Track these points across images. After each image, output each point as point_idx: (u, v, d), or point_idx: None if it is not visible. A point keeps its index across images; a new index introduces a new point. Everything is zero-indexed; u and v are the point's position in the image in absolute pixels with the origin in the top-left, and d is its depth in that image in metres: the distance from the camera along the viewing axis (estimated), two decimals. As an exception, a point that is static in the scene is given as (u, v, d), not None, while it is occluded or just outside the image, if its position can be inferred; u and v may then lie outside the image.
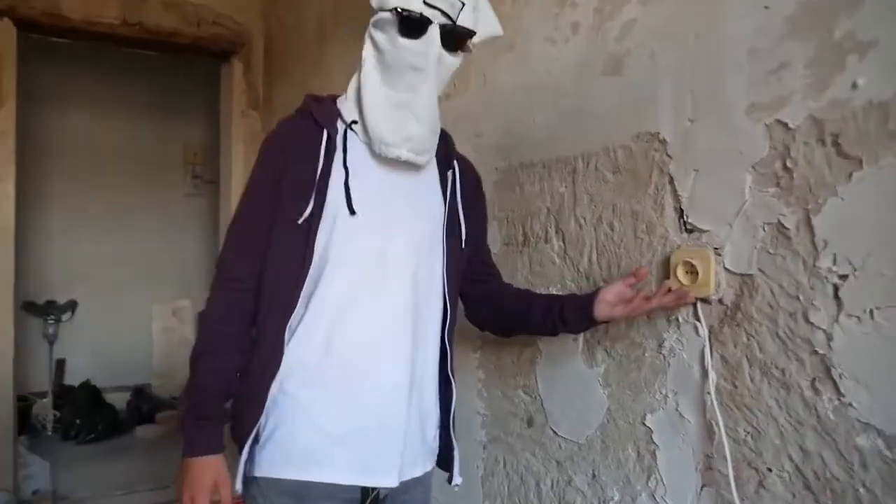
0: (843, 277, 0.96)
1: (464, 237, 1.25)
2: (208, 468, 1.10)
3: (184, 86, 4.76)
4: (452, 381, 1.26)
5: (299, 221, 1.10)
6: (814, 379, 1.00)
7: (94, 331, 4.77)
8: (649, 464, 1.26)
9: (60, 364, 4.78)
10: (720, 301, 1.14)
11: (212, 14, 3.26)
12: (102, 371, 4.67)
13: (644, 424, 1.27)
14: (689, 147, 1.18)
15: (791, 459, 1.03)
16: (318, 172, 1.11)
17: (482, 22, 1.14)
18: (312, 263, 1.11)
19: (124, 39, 3.19)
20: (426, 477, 1.26)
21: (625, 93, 1.31)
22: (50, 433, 4.36)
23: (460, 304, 1.34)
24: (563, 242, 1.46)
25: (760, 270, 1.07)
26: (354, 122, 1.15)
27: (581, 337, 1.42)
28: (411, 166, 1.16)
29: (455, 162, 1.26)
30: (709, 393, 1.14)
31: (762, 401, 1.07)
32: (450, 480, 1.29)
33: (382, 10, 1.07)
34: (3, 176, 2.93)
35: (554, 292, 1.47)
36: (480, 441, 1.72)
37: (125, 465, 3.67)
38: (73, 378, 4.75)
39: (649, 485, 1.26)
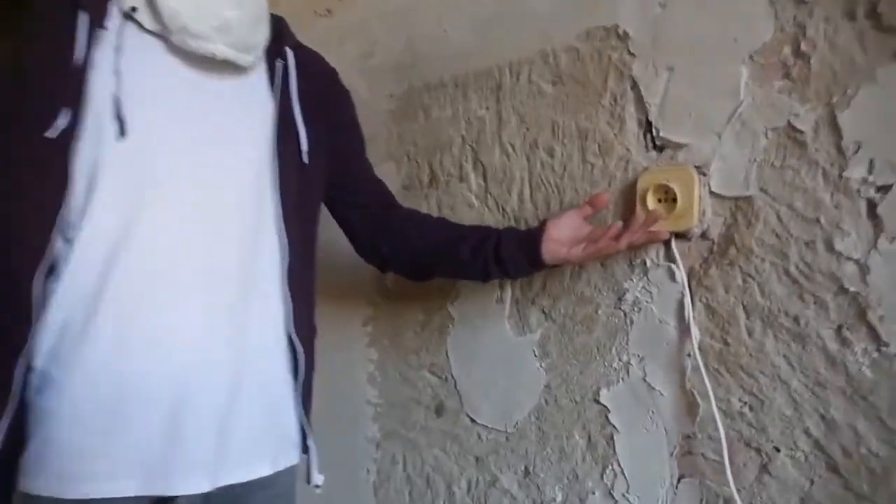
0: (884, 189, 0.73)
1: (304, 148, 0.90)
2: None
3: None
4: (298, 346, 0.88)
5: (51, 136, 0.73)
6: (840, 326, 0.76)
7: None
8: (604, 452, 0.98)
9: None
10: (703, 235, 0.88)
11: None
12: None
13: (597, 402, 0.99)
14: (660, 40, 0.91)
15: (808, 434, 0.79)
16: (78, 69, 0.74)
17: None
18: (69, 195, 0.74)
19: None
20: (282, 477, 0.88)
21: (569, -22, 1.02)
22: None
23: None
24: (484, 179, 1.15)
25: (762, 190, 0.82)
26: (134, 8, 0.78)
27: (508, 295, 1.12)
28: (228, 68, 0.82)
29: (287, 50, 0.91)
30: (689, 355, 0.88)
31: (766, 361, 0.82)
32: (308, 479, 0.92)
33: None
34: None
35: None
36: (372, 438, 1.37)
37: None
38: None
39: (604, 479, 0.98)
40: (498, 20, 1.13)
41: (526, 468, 1.09)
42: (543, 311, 1.07)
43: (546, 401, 1.06)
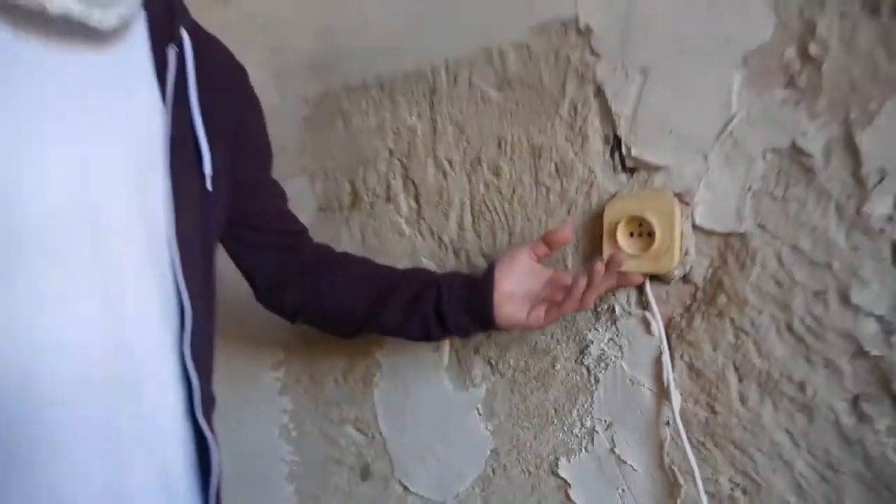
0: (914, 229, 0.59)
1: (207, 169, 0.67)
2: None
3: None
4: (207, 433, 0.66)
5: None
6: (857, 397, 0.62)
7: None
8: (563, 536, 0.81)
9: None
10: (685, 279, 0.72)
11: None
12: None
13: (555, 474, 0.82)
14: (630, 37, 0.75)
15: (820, 528, 0.64)
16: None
17: None
18: None
19: None
20: None
21: (518, -38, 0.84)
22: None
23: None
24: (417, 201, 0.96)
25: (760, 226, 0.67)
26: None
27: (446, 343, 0.93)
28: (86, 36, 0.56)
29: (183, 33, 0.65)
30: (669, 424, 0.72)
31: (763, 435, 0.67)
32: None
33: None
34: None
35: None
36: (287, 500, 1.16)
37: None
38: None
39: (564, 569, 0.81)
40: (432, 10, 0.94)
41: (468, 550, 0.90)
42: (489, 363, 0.89)
43: (493, 470, 0.88)
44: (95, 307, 0.56)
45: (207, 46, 0.72)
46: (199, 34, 0.70)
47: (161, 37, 0.63)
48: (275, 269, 0.83)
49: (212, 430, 0.67)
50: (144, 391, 0.59)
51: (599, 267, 0.66)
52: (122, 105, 0.60)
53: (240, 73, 0.80)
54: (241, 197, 0.76)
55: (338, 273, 0.83)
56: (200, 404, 0.64)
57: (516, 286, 0.72)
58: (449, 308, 0.73)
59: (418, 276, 0.81)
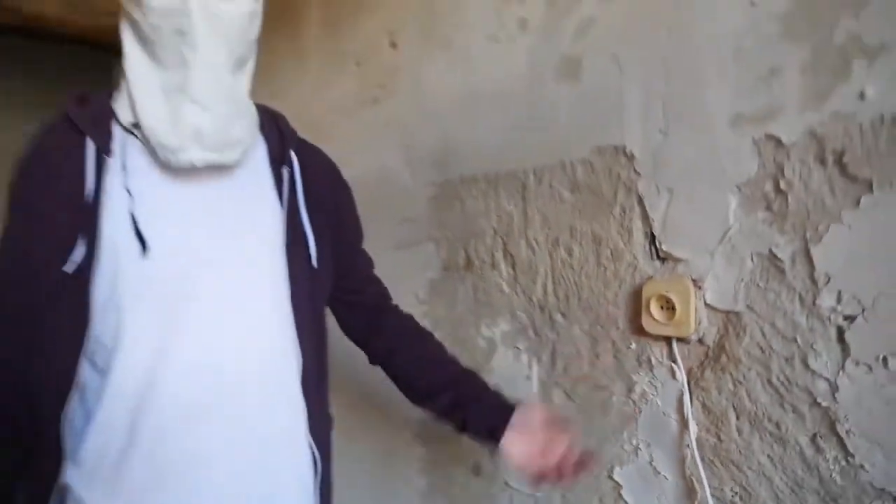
0: (850, 318, 0.83)
1: (313, 253, 0.92)
2: None
3: (72, 80, 4.29)
4: (314, 453, 0.90)
5: (68, 271, 0.78)
6: (815, 434, 0.87)
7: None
8: (618, 524, 1.11)
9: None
10: (700, 341, 0.99)
11: (113, 3, 2.90)
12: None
13: (611, 478, 1.12)
14: (661, 163, 1.03)
15: (790, 527, 0.89)
16: (89, 201, 0.79)
17: None
18: (92, 325, 0.79)
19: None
20: None
21: (584, 100, 1.15)
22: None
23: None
24: (513, 268, 1.29)
25: (749, 307, 0.93)
26: (136, 124, 0.82)
27: (535, 375, 1.25)
28: (219, 170, 0.83)
29: (292, 154, 0.92)
30: (689, 446, 1.00)
31: (753, 458, 0.93)
32: None
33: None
34: None
35: (503, 327, 1.30)
36: (419, 489, 1.52)
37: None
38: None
39: (619, 548, 1.11)
40: (522, 128, 1.26)
41: (552, 531, 1.22)
42: (565, 392, 1.19)
43: (568, 473, 1.19)
44: (237, 342, 0.83)
45: (311, 157, 0.97)
46: (303, 148, 0.96)
47: (276, 159, 0.91)
48: (362, 324, 1.06)
49: (321, 450, 0.91)
50: (275, 415, 0.86)
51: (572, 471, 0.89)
52: (251, 210, 0.88)
53: (334, 172, 1.05)
54: (339, 264, 1.00)
55: (409, 349, 1.05)
56: (309, 428, 0.89)
57: (519, 455, 0.94)
58: (474, 420, 0.99)
59: (461, 384, 1.02)
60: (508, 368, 1.30)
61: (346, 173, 1.61)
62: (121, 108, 0.83)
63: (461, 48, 1.41)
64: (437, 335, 1.38)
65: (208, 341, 0.82)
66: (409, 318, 1.11)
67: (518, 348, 1.28)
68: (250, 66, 0.87)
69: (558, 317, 1.20)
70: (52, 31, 2.86)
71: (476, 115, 1.37)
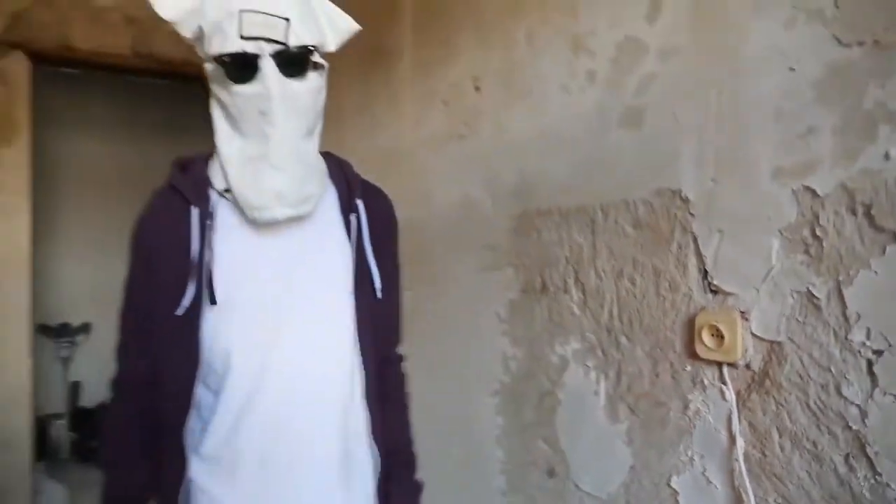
0: (878, 353, 0.94)
1: (377, 286, 1.07)
2: None
3: (192, 112, 4.77)
4: (374, 448, 1.07)
5: (179, 314, 0.97)
6: (847, 454, 0.98)
7: (108, 352, 4.77)
8: (675, 527, 1.24)
9: (75, 386, 4.80)
10: (747, 366, 1.11)
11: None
12: (117, 393, 4.68)
13: (669, 486, 1.25)
14: (712, 207, 1.16)
15: (824, 536, 1.00)
16: (196, 255, 0.98)
17: (324, 26, 0.98)
18: (202, 356, 0.98)
19: (135, 69, 3.20)
20: None
21: (645, 147, 1.29)
22: (65, 457, 4.38)
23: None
24: (583, 294, 1.44)
25: (790, 339, 1.05)
26: (227, 189, 0.99)
27: (603, 391, 1.40)
28: (297, 220, 0.99)
29: (359, 201, 1.07)
30: (737, 460, 1.12)
31: (793, 472, 1.04)
32: None
33: (208, 61, 0.95)
34: (17, 209, 2.93)
35: (574, 345, 1.45)
36: (499, 488, 1.70)
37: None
38: (89, 400, 4.76)
39: (676, 548, 1.24)
40: (591, 168, 1.41)
41: (617, 531, 1.36)
42: (629, 407, 1.34)
43: (632, 479, 1.33)
44: (315, 365, 0.99)
45: (373, 200, 1.10)
46: (367, 191, 1.09)
47: (345, 208, 1.05)
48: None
49: (379, 443, 1.06)
50: (347, 420, 1.02)
51: None
52: (325, 252, 1.02)
53: (389, 207, 1.16)
54: None
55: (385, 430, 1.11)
56: (375, 430, 1.06)
57: None
58: None
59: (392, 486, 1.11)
60: (579, 384, 1.45)
61: (435, 201, 1.84)
62: (215, 175, 1.01)
63: (537, 95, 1.57)
64: (517, 352, 1.57)
65: (296, 364, 0.99)
66: (395, 392, 1.19)
67: (587, 366, 1.43)
68: (318, 130, 1.02)
69: (623, 339, 1.35)
70: (176, 72, 3.24)
71: (549, 154, 1.53)
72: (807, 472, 1.03)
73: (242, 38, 0.89)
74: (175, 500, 1.00)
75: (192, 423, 1.01)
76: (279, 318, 0.98)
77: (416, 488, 1.14)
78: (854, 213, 0.96)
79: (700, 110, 1.18)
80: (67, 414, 4.57)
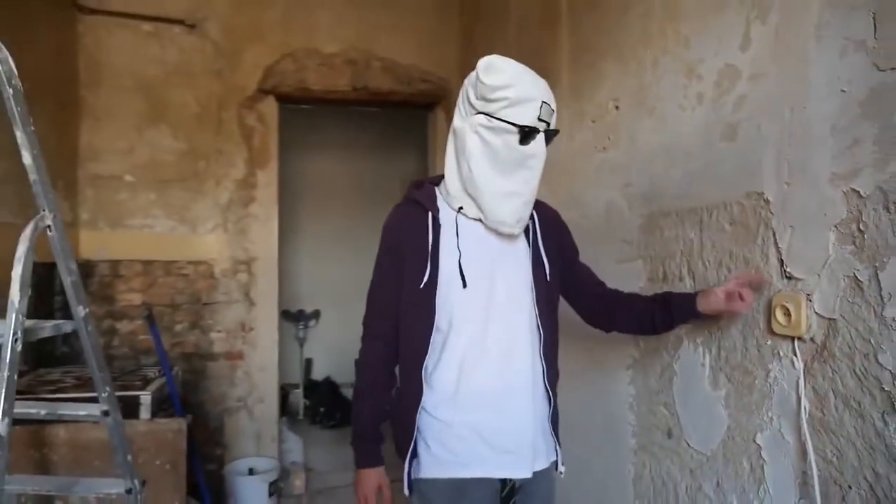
0: (905, 326, 1.13)
1: (547, 271, 1.52)
2: (372, 476, 1.51)
3: (399, 132, 5.57)
4: (549, 392, 1.52)
5: (420, 287, 1.42)
6: (883, 412, 1.17)
7: (333, 335, 5.71)
8: (759, 476, 1.47)
9: (308, 362, 5.81)
10: (812, 339, 1.33)
11: (419, 73, 3.87)
12: (340, 369, 5.59)
13: (755, 442, 1.48)
14: (786, 207, 1.38)
15: (866, 479, 1.20)
16: (430, 247, 1.43)
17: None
18: (436, 318, 1.43)
19: (353, 101, 3.93)
20: (550, 469, 1.56)
21: (737, 157, 1.53)
22: (301, 417, 5.36)
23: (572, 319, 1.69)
24: (694, 281, 1.71)
25: (841, 316, 1.25)
26: (461, 207, 1.44)
27: (708, 363, 1.65)
28: (513, 234, 1.47)
29: (534, 213, 1.52)
30: (803, 418, 1.34)
31: (843, 427, 1.25)
32: (556, 467, 1.59)
33: (497, 118, 1.33)
34: (269, 217, 3.79)
35: (687, 325, 1.72)
36: (632, 448, 2.00)
37: (357, 448, 4.43)
38: (317, 374, 5.76)
39: (759, 494, 1.47)
40: (700, 176, 1.67)
41: (717, 481, 1.61)
42: (727, 377, 1.58)
43: (728, 437, 1.58)
44: (513, 325, 1.48)
45: (542, 211, 1.60)
46: (538, 206, 1.56)
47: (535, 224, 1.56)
48: (591, 307, 1.70)
49: (553, 391, 1.55)
50: (529, 372, 1.49)
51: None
52: (515, 251, 1.51)
53: (555, 215, 1.69)
54: (566, 274, 1.65)
55: (625, 308, 1.65)
56: (547, 378, 1.53)
57: (714, 296, 1.46)
58: (673, 300, 1.55)
59: (661, 303, 1.58)
60: (689, 357, 1.72)
61: (584, 204, 2.20)
62: (451, 195, 1.47)
63: (660, 113, 1.86)
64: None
65: (501, 326, 1.45)
66: (616, 291, 1.70)
67: (696, 342, 1.69)
68: None
69: (722, 319, 1.59)
70: (385, 100, 3.91)
71: (670, 164, 1.81)
72: (853, 427, 1.23)
73: (539, 119, 1.35)
74: (413, 421, 1.45)
75: (428, 361, 1.47)
76: (489, 293, 1.44)
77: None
78: (888, 210, 1.16)
79: (778, 125, 1.41)
80: (302, 384, 5.55)
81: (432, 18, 3.96)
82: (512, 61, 1.36)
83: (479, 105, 1.35)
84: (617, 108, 2.12)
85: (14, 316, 1.32)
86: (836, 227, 1.26)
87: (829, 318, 1.28)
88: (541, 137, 1.37)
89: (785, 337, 1.39)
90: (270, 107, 3.72)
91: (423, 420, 1.46)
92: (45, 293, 2.98)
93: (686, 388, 1.74)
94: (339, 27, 3.82)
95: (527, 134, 1.34)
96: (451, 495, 1.42)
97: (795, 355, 1.36)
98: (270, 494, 3.54)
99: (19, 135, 1.41)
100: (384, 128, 5.64)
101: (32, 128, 1.43)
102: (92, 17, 3.47)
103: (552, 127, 1.40)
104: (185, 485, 2.45)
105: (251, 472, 3.63)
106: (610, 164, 2.15)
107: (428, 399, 1.46)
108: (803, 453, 1.34)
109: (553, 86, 2.65)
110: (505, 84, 1.31)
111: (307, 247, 5.85)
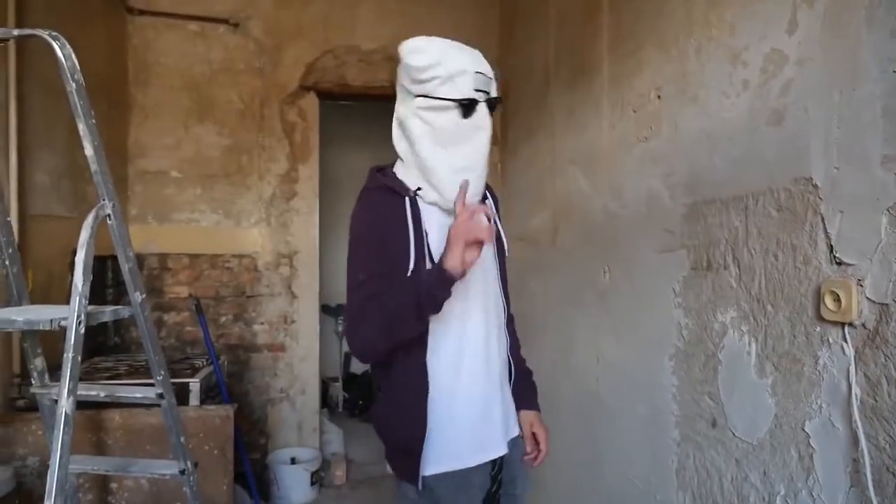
0: (961, 310, 1.11)
1: (506, 245, 1.59)
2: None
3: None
4: (510, 361, 1.61)
5: (409, 275, 1.36)
6: (939, 397, 1.15)
7: (372, 329, 5.76)
8: (808, 465, 1.45)
9: (347, 356, 5.89)
10: (863, 325, 1.31)
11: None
12: (378, 363, 5.65)
13: (803, 430, 1.47)
14: (835, 191, 1.37)
15: (920, 466, 1.18)
16: (412, 235, 1.37)
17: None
18: None
19: (392, 96, 3.96)
20: (518, 436, 1.61)
21: (785, 142, 1.52)
22: (340, 410, 5.44)
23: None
24: (739, 269, 1.69)
25: (894, 300, 1.23)
26: (419, 188, 1.40)
27: (753, 351, 1.63)
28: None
29: (488, 193, 1.55)
30: (854, 406, 1.32)
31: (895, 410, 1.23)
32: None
33: (434, 97, 1.32)
34: (311, 210, 3.86)
35: (731, 314, 1.71)
36: (675, 439, 1.99)
37: (396, 440, 4.49)
38: (356, 368, 5.84)
39: (808, 483, 1.45)
40: (744, 162, 1.66)
41: (764, 470, 1.60)
42: (774, 364, 1.57)
43: (775, 425, 1.56)
44: (488, 297, 1.51)
45: (491, 192, 1.60)
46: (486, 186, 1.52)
47: (483, 198, 1.51)
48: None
49: (514, 361, 1.63)
50: (503, 347, 1.55)
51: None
52: None
53: (497, 198, 1.68)
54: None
55: (514, 348, 1.71)
56: (511, 348, 1.63)
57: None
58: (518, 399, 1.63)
59: (518, 371, 1.66)
60: (735, 346, 1.70)
61: (625, 194, 2.22)
62: (408, 178, 1.41)
63: (703, 101, 1.84)
64: (689, 321, 1.86)
65: (480, 305, 1.48)
66: (512, 326, 1.73)
67: (742, 330, 1.68)
68: None
69: (769, 307, 1.58)
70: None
71: (713, 151, 1.79)
72: (907, 413, 1.21)
73: (476, 90, 1.34)
74: (424, 413, 1.38)
75: (428, 354, 1.45)
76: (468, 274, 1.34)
77: (536, 388, 1.71)
78: (944, 192, 1.14)
79: (826, 109, 1.39)
80: (341, 377, 5.63)
81: (471, 14, 3.98)
82: (436, 39, 1.34)
83: (415, 88, 1.35)
84: (659, 97, 2.10)
85: (78, 300, 1.38)
86: (888, 210, 1.24)
87: (882, 304, 1.26)
88: (482, 108, 1.36)
89: (835, 323, 1.37)
90: (311, 102, 3.79)
91: (432, 383, 1.40)
92: (97, 285, 3.09)
93: (731, 377, 1.73)
94: (378, 24, 3.87)
95: (467, 107, 1.34)
96: (458, 486, 1.41)
97: (846, 342, 1.34)
98: (312, 483, 3.61)
99: (81, 127, 1.48)
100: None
101: (94, 120, 1.49)
102: (141, 18, 3.58)
103: (492, 95, 1.38)
104: (232, 469, 2.52)
105: (293, 461, 3.70)
106: (651, 153, 2.14)
107: (430, 360, 1.40)
108: (854, 441, 1.33)
109: (593, 77, 2.66)
110: (433, 63, 1.31)
111: (345, 243, 5.91)
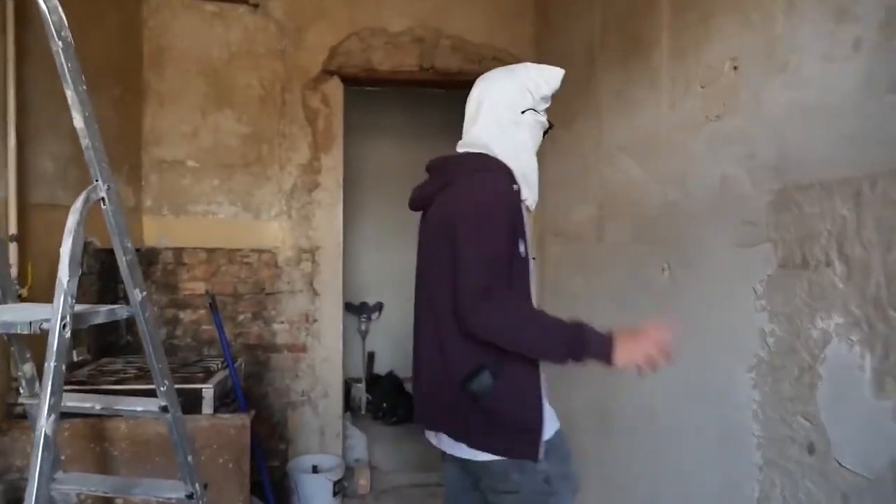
0: None
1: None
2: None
3: (462, 115, 5.33)
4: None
5: (522, 255, 1.52)
6: None
7: (397, 329, 5.53)
8: (950, 508, 1.18)
9: (371, 356, 5.66)
10: None
11: (491, 51, 3.62)
12: (403, 363, 5.42)
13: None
14: None
15: None
16: (525, 223, 1.54)
17: None
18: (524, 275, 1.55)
19: (420, 82, 3.72)
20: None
21: (917, 111, 1.24)
22: (363, 412, 5.21)
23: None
24: (847, 266, 1.41)
25: None
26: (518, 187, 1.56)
27: (868, 366, 1.36)
28: None
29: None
30: None
31: None
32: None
33: (544, 118, 1.67)
34: (334, 202, 3.63)
35: (837, 320, 1.43)
36: (756, 463, 1.71)
37: (422, 446, 4.23)
38: (379, 368, 5.60)
39: (950, 531, 1.18)
40: (856, 139, 1.38)
41: (884, 510, 1.32)
42: (897, 382, 1.29)
43: None
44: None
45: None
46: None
47: None
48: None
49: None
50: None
51: None
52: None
53: None
54: None
55: None
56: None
57: None
58: None
59: None
60: (842, 358, 1.43)
61: (690, 182, 1.93)
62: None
63: (795, 68, 1.56)
64: (775, 327, 1.59)
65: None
66: None
67: (851, 340, 1.40)
68: None
69: (891, 312, 1.30)
70: (453, 80, 3.69)
71: (810, 127, 1.52)
72: None
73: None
74: (540, 395, 1.55)
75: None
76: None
77: None
78: None
79: (983, 67, 1.11)
80: (364, 379, 5.41)
81: (505, -8, 3.71)
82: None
83: (541, 105, 1.67)
84: (735, 67, 1.82)
85: (62, 298, 1.15)
86: None
87: None
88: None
89: None
90: (335, 88, 3.55)
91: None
92: (108, 280, 2.88)
93: (837, 396, 1.45)
94: (407, 3, 3.61)
95: (547, 130, 1.69)
96: (563, 439, 1.61)
97: None
98: (335, 494, 3.38)
99: (70, 94, 1.25)
100: (451, 109, 5.39)
101: (84, 87, 1.26)
102: (156, -1, 3.38)
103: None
104: (248, 483, 2.30)
105: (315, 469, 3.48)
106: (725, 133, 1.86)
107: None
108: None
109: (650, 52, 2.38)
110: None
111: (369, 237, 5.68)
